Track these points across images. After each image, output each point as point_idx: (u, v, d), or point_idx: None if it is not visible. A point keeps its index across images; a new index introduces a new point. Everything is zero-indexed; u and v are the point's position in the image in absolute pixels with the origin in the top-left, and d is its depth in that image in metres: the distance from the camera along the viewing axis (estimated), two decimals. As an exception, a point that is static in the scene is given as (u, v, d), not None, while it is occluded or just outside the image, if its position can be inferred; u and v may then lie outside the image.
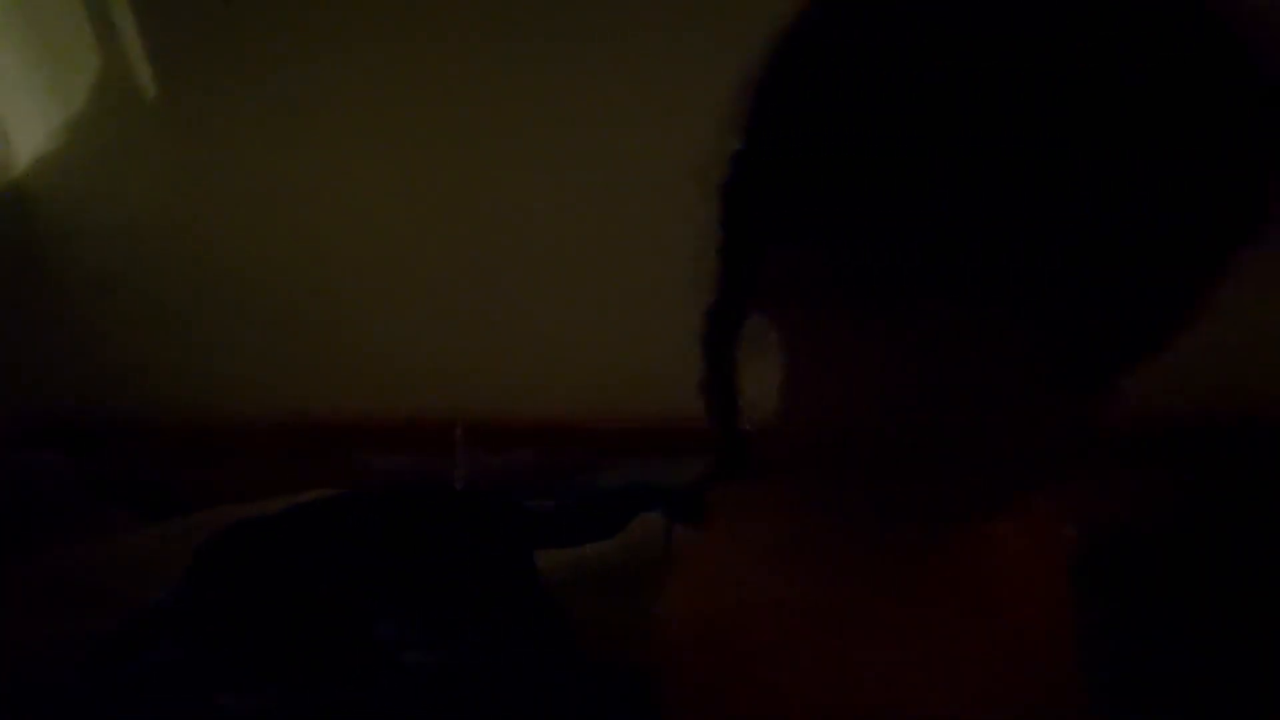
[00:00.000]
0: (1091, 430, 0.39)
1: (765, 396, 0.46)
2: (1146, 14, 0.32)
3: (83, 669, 0.94)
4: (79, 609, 1.12)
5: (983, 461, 0.40)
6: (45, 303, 1.73)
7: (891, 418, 0.40)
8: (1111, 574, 1.18)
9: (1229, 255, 0.35)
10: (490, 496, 1.48)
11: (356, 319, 1.74)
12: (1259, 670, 1.04)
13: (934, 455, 0.40)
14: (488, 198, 1.63)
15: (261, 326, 1.74)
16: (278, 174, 1.65)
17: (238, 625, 1.00)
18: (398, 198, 1.66)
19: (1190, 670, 1.06)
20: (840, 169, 0.35)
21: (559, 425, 1.72)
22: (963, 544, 0.49)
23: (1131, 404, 0.40)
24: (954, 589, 0.48)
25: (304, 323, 1.74)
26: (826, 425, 0.44)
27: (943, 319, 0.36)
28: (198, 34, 1.56)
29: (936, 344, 0.37)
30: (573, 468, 1.69)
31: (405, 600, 1.12)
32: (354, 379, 1.77)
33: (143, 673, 0.93)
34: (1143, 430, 1.47)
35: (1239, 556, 1.21)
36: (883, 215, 0.35)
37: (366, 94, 1.58)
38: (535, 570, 1.14)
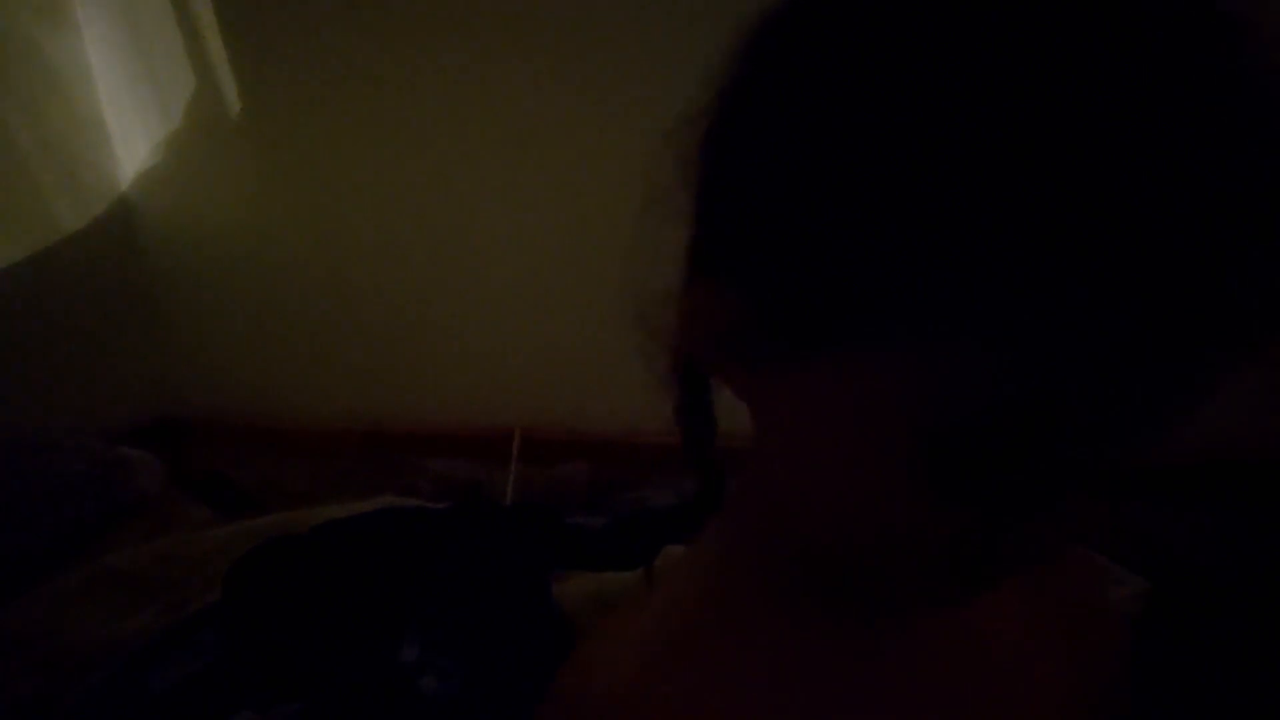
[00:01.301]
0: (1034, 537, 0.34)
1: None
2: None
3: (109, 677, 1.02)
4: (140, 604, 1.22)
5: (897, 563, 0.36)
6: (147, 306, 1.88)
7: (804, 494, 0.38)
8: (1186, 615, 1.12)
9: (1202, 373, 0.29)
10: (533, 513, 1.51)
11: (421, 329, 1.81)
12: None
13: (852, 547, 0.37)
14: (549, 219, 1.66)
15: (332, 335, 1.84)
16: (348, 191, 1.73)
17: (264, 642, 1.06)
18: (464, 218, 1.71)
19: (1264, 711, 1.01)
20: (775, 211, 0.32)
21: (614, 440, 1.75)
22: (936, 625, 0.44)
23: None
24: (920, 672, 0.44)
25: (372, 332, 1.82)
26: (766, 490, 0.42)
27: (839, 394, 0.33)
28: (277, 62, 1.65)
29: (831, 420, 0.34)
30: (625, 483, 1.71)
31: (430, 621, 1.16)
32: (418, 387, 1.85)
33: (165, 685, 1.01)
34: (1220, 469, 1.39)
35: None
36: (806, 258, 0.32)
37: (436, 117, 1.63)
38: (550, 597, 1.16)
